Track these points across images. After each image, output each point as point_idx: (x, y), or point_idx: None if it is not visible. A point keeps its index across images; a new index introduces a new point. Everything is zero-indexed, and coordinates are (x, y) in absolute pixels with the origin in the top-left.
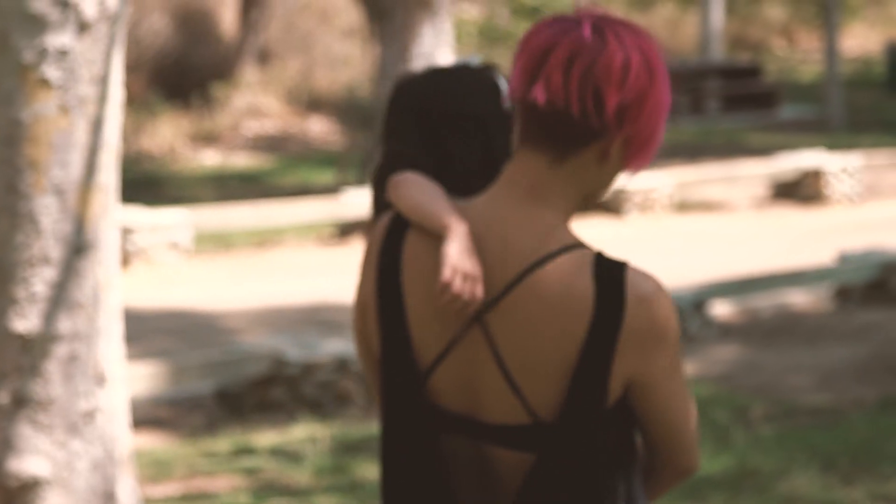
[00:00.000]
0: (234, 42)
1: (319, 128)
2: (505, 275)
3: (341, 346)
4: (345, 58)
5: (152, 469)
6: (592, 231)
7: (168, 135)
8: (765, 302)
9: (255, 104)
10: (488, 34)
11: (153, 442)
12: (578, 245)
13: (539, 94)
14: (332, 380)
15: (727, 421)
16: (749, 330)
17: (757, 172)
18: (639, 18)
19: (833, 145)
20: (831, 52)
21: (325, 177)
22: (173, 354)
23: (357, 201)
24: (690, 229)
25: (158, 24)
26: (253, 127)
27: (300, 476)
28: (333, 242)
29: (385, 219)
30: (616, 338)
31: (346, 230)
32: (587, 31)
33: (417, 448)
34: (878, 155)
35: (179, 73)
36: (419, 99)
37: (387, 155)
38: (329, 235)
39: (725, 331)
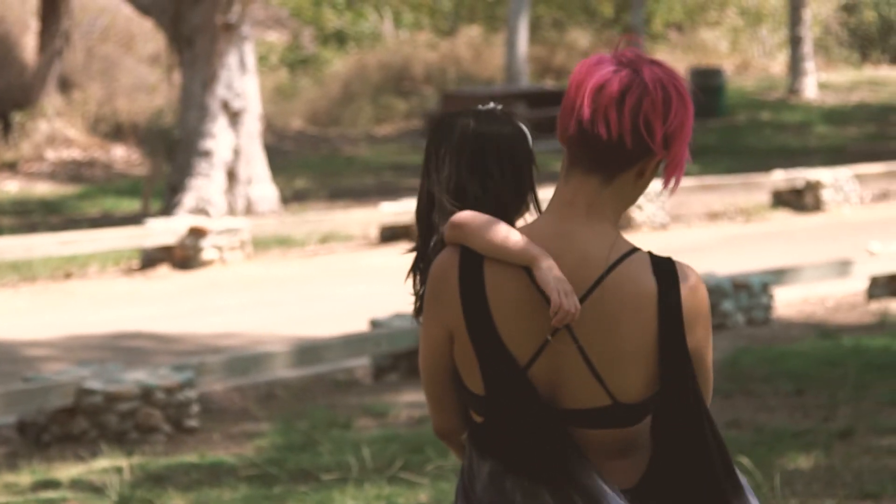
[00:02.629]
0: (36, 69)
1: (123, 156)
2: (583, 282)
3: (144, 375)
4: (149, 85)
5: None
6: (399, 258)
7: None
8: None
9: (58, 132)
10: (292, 59)
11: None
12: (635, 249)
13: (601, 129)
14: (135, 409)
15: None
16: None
17: None
18: (444, 43)
19: None
20: None
21: (129, 205)
22: None
23: (161, 229)
24: None
25: None
26: (55, 155)
27: None
28: (137, 271)
29: (451, 256)
30: (681, 319)
31: (149, 259)
32: (630, 72)
33: (537, 429)
34: (684, 180)
35: None
36: (464, 134)
37: (429, 190)
38: (132, 264)
39: None
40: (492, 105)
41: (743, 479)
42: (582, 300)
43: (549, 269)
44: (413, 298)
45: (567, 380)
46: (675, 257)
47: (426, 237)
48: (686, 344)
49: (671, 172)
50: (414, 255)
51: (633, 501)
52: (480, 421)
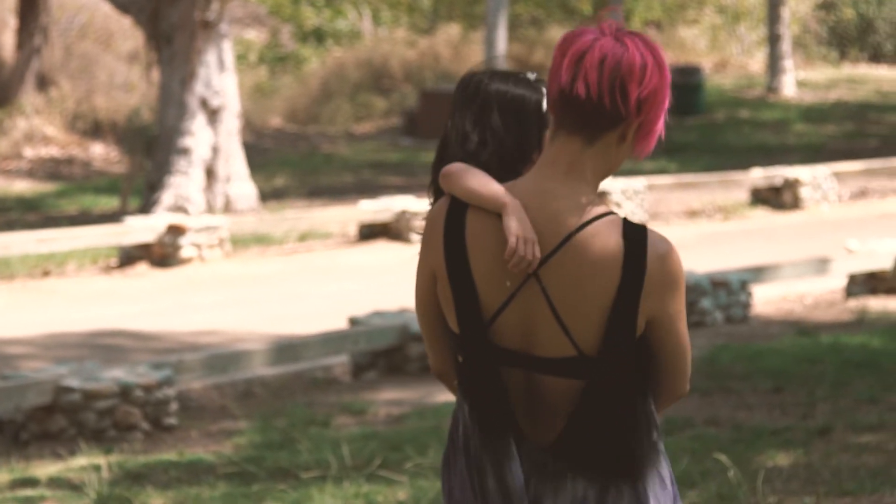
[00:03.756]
0: (15, 67)
1: (101, 153)
2: (554, 237)
3: (123, 373)
4: (127, 83)
5: None
6: (380, 256)
7: None
8: None
9: (36, 129)
10: (271, 57)
11: None
12: (609, 213)
13: (580, 89)
14: (113, 408)
15: None
16: None
17: None
18: (422, 41)
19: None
20: None
21: (108, 203)
22: None
23: (140, 227)
24: None
25: None
26: (33, 153)
27: None
28: (115, 269)
29: (442, 203)
30: (641, 285)
31: (128, 257)
32: (611, 39)
33: (484, 377)
34: (661, 178)
35: None
36: (477, 88)
37: (444, 137)
38: (111, 262)
39: None
40: (527, 73)
41: (665, 467)
42: (552, 254)
43: (515, 216)
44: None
45: (537, 329)
46: (651, 227)
47: (436, 186)
48: (637, 309)
49: (642, 139)
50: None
51: (548, 459)
52: (460, 360)
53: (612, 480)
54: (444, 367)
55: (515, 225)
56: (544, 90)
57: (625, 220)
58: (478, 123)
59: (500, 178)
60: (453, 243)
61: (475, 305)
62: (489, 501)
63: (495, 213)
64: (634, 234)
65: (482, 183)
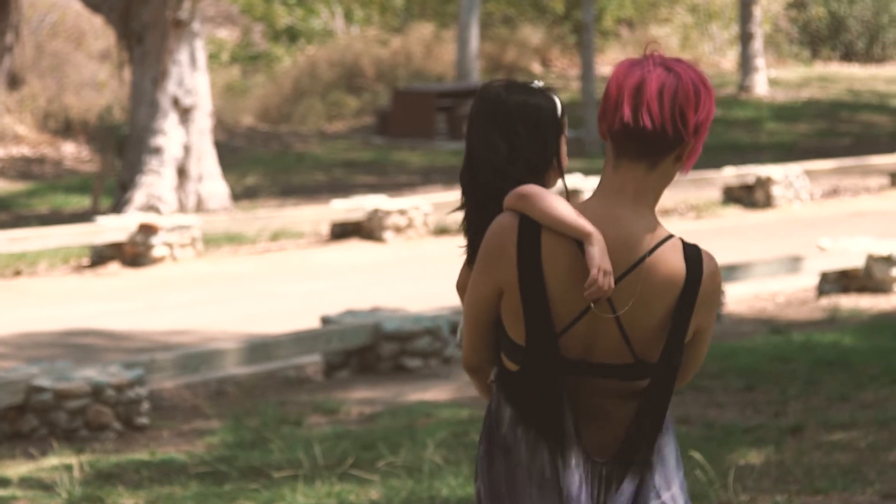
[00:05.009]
0: None
1: (73, 152)
2: (626, 261)
3: (94, 373)
4: (99, 82)
5: None
6: (353, 255)
7: None
8: None
9: (7, 128)
10: (243, 56)
11: None
12: (671, 236)
13: (646, 121)
14: (85, 407)
15: None
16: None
17: None
18: (395, 39)
19: (589, 168)
20: (587, 73)
21: (79, 202)
22: None
23: (112, 226)
24: (448, 252)
25: None
26: (4, 152)
27: None
28: (87, 268)
29: (511, 221)
30: (695, 301)
31: (99, 256)
32: (662, 70)
33: (547, 386)
34: None
35: None
36: (497, 101)
37: (469, 152)
38: (83, 261)
39: None
40: (534, 82)
41: (672, 447)
42: (622, 277)
43: (598, 248)
44: (464, 249)
45: (601, 340)
46: (702, 246)
47: (468, 194)
48: (689, 322)
49: (691, 156)
50: (463, 212)
51: (603, 469)
52: (514, 369)
53: (649, 469)
54: (480, 364)
55: (598, 256)
56: (555, 98)
57: (682, 241)
58: (504, 136)
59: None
60: (527, 261)
61: (547, 319)
62: (545, 501)
63: (568, 237)
64: (693, 255)
65: (565, 210)
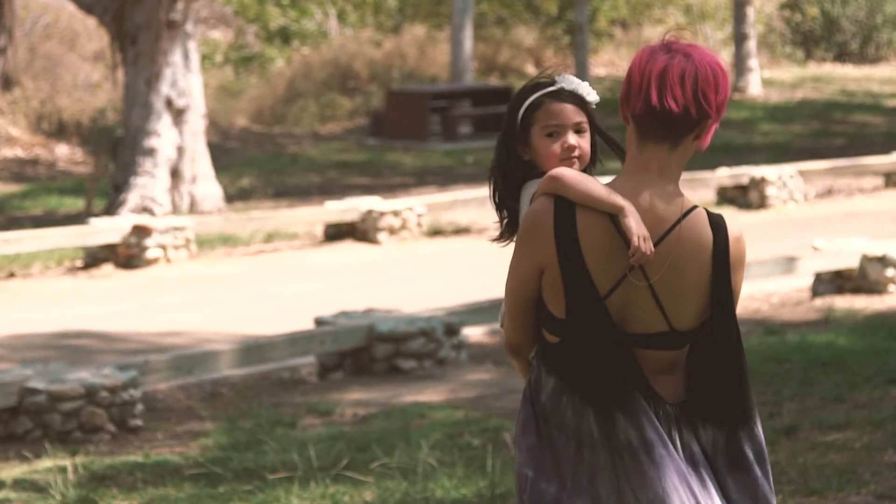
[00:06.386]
0: None
1: (66, 154)
2: (656, 232)
3: (88, 374)
4: (92, 83)
5: None
6: (347, 257)
7: None
8: None
9: (0, 130)
10: (237, 57)
11: None
12: (695, 206)
13: (671, 104)
14: (79, 409)
15: (480, 444)
16: (501, 353)
17: None
18: (388, 40)
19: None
20: (581, 74)
21: (73, 204)
22: None
23: (105, 228)
24: (442, 253)
25: None
26: None
27: None
28: (81, 270)
29: (546, 203)
30: (728, 265)
31: (93, 258)
32: (681, 56)
33: (595, 352)
34: None
35: None
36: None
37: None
38: (77, 263)
39: (478, 354)
40: (545, 75)
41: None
42: (655, 246)
43: (633, 218)
44: (497, 226)
45: (636, 309)
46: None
47: (501, 180)
48: (730, 284)
49: (707, 134)
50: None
51: (681, 412)
52: (554, 341)
53: (736, 426)
54: (522, 344)
55: (635, 225)
56: (529, 86)
57: (706, 210)
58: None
59: None
60: (565, 239)
61: (591, 288)
62: (624, 456)
63: (602, 212)
64: (717, 222)
65: (598, 187)
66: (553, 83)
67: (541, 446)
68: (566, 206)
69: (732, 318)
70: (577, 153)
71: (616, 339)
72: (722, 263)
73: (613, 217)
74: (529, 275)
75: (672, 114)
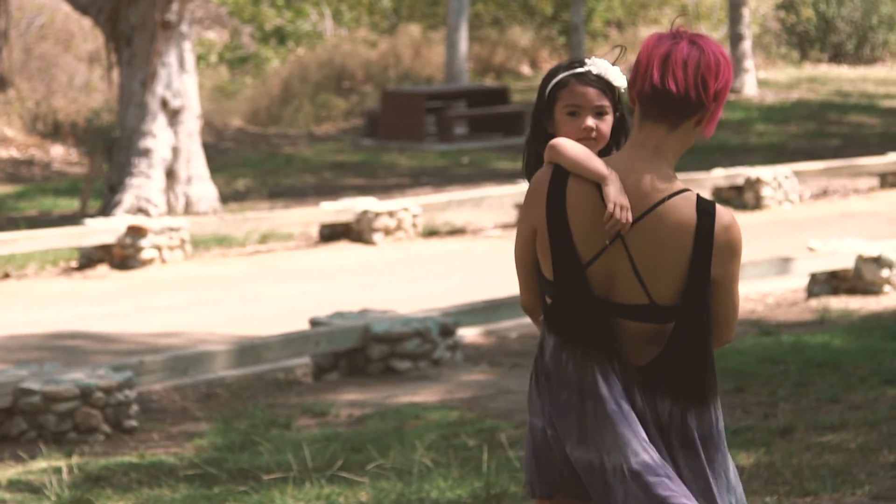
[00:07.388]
0: None
1: (61, 155)
2: (641, 207)
3: (83, 375)
4: (87, 84)
5: None
6: (342, 257)
7: None
8: (512, 325)
9: None
10: (232, 58)
11: None
12: (686, 189)
13: (671, 85)
14: (74, 410)
15: (476, 445)
16: (497, 354)
17: (503, 194)
18: (383, 41)
19: None
20: None
21: (68, 204)
22: None
23: (100, 228)
24: (437, 254)
25: None
26: None
27: None
28: (76, 271)
29: (546, 170)
30: (711, 250)
31: (88, 258)
32: (686, 43)
33: (577, 314)
34: None
35: None
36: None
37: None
38: (71, 264)
39: (473, 355)
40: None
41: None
42: (637, 220)
43: (614, 186)
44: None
45: (619, 280)
46: (718, 203)
47: (530, 152)
48: (709, 270)
49: (710, 122)
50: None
51: (643, 376)
52: (550, 302)
53: (691, 404)
54: (533, 304)
55: (614, 193)
56: (559, 71)
57: (698, 195)
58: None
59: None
60: (555, 204)
61: (571, 257)
62: (597, 411)
63: (593, 182)
64: (705, 208)
65: (587, 156)
66: (583, 65)
67: (538, 394)
68: (562, 174)
69: (704, 300)
70: (594, 135)
71: (594, 305)
72: (704, 247)
73: (601, 187)
74: (527, 236)
75: (671, 94)
